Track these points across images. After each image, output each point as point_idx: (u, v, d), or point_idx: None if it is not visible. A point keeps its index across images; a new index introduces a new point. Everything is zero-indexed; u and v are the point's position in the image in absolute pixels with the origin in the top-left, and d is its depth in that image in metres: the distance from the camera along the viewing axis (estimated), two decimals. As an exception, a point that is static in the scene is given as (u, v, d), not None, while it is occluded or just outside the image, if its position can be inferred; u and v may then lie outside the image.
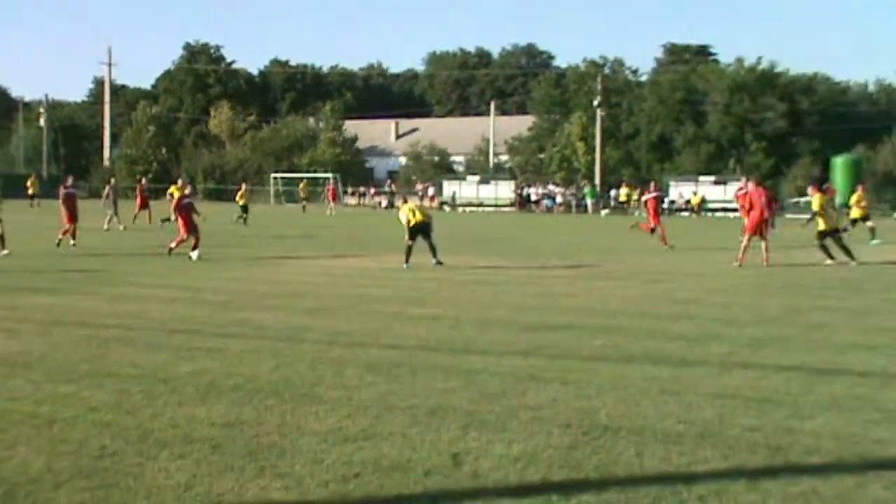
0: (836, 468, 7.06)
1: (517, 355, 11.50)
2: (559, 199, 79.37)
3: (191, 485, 6.65)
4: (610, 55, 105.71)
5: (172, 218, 35.04)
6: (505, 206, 79.09)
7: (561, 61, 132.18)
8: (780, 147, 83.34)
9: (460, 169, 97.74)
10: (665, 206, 74.20)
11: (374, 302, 16.94)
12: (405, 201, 26.95)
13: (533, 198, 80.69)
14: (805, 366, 10.93)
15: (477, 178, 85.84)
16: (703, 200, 72.72)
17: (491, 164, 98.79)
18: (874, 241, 32.59)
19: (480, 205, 79.54)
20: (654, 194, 33.23)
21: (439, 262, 23.62)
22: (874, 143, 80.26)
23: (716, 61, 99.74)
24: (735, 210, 70.39)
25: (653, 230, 31.95)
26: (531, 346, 12.16)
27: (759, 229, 25.24)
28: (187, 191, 28.19)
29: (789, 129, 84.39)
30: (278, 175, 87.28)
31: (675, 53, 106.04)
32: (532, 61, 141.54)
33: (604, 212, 72.77)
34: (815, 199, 26.21)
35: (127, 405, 8.94)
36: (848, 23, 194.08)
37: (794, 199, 72.02)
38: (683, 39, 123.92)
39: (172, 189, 37.10)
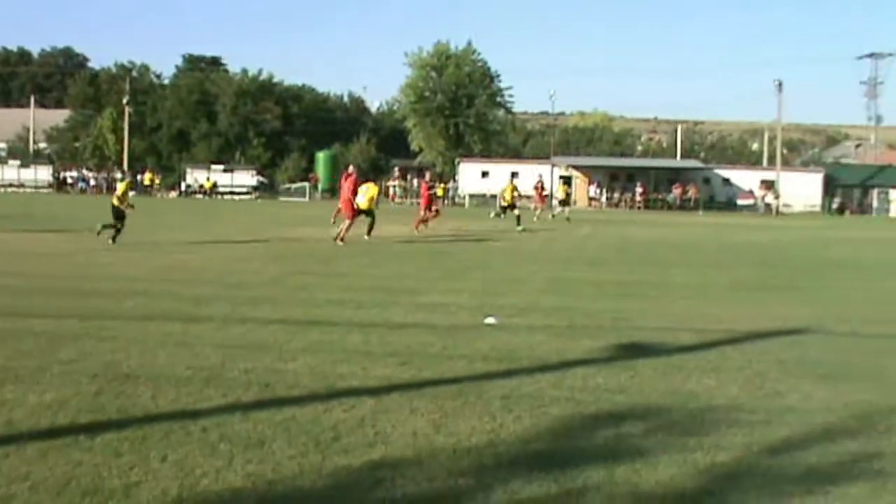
0: (311, 398, 7.30)
1: (52, 318, 10.79)
2: (92, 182, 75.74)
3: None
4: (138, 61, 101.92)
5: None
6: (44, 187, 74.11)
7: (95, 63, 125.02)
8: (276, 143, 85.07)
9: (2, 154, 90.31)
10: (182, 188, 73.33)
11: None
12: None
13: (69, 181, 76.43)
14: (290, 319, 11.21)
15: (18, 162, 79.69)
16: (215, 185, 72.40)
17: (31, 151, 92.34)
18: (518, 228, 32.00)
19: (21, 186, 73.78)
20: (429, 184, 31.64)
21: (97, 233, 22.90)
22: (347, 142, 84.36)
23: (226, 70, 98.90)
24: (244, 193, 70.96)
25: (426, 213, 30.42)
26: (69, 310, 11.48)
27: (348, 210, 24.56)
28: None
29: (283, 129, 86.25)
30: None
31: (193, 62, 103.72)
32: (69, 62, 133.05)
33: (132, 193, 70.40)
34: (369, 187, 25.14)
35: None
36: (332, 43, 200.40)
37: (287, 186, 73.84)
38: (200, 51, 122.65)
39: None
